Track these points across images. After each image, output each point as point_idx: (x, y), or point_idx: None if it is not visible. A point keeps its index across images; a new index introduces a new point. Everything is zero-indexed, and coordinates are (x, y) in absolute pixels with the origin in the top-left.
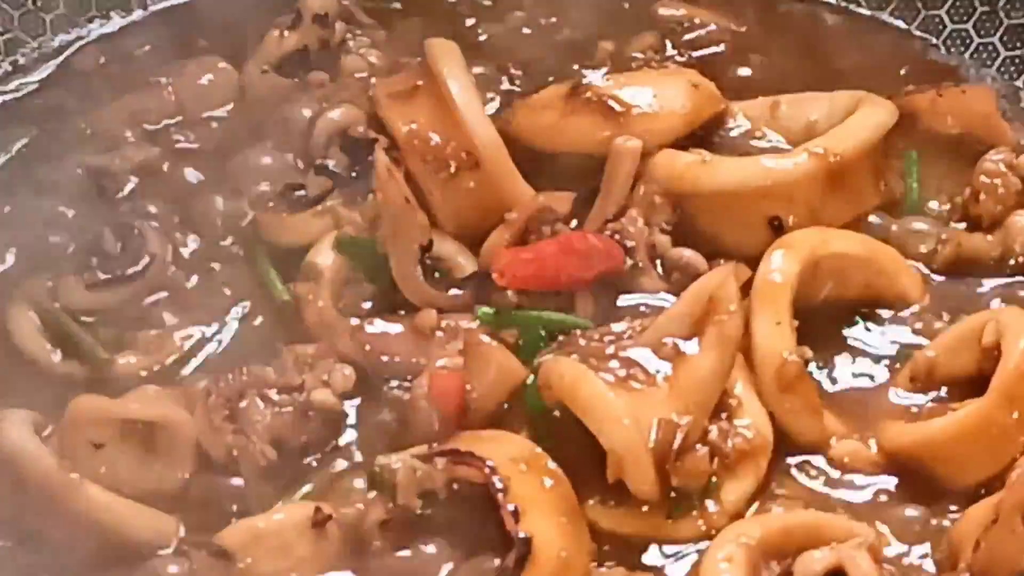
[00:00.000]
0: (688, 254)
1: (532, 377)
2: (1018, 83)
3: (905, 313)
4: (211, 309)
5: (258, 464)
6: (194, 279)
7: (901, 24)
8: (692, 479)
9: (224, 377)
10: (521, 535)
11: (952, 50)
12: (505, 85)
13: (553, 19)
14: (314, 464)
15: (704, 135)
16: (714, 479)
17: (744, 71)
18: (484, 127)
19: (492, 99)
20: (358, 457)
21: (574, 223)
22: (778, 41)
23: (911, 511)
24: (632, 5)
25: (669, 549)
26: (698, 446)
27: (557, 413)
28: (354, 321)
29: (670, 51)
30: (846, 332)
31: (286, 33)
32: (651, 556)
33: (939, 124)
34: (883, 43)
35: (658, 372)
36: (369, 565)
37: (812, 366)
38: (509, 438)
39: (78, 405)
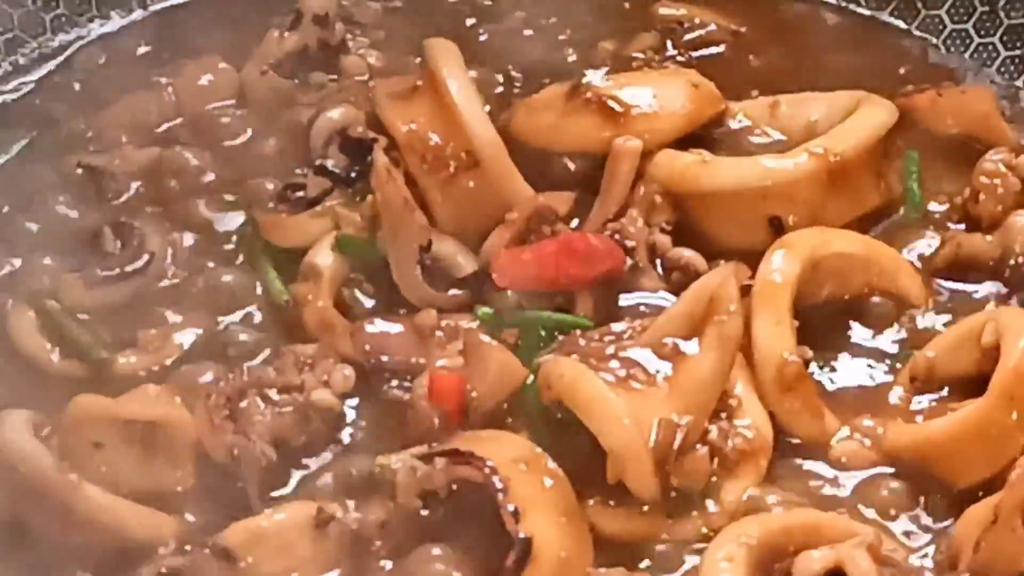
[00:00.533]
0: (688, 254)
1: (532, 377)
2: (1018, 83)
3: (905, 313)
4: (211, 309)
5: (258, 464)
6: (194, 278)
7: (901, 24)
8: (692, 479)
9: (224, 377)
10: (521, 535)
11: (952, 50)
12: (505, 85)
13: (553, 19)
14: (314, 464)
15: (704, 135)
16: (714, 479)
17: (744, 71)
18: (484, 127)
19: (492, 99)
20: (358, 457)
21: (574, 223)
22: (778, 41)
23: (910, 511)
24: (632, 5)
25: (669, 549)
26: (698, 446)
27: (557, 413)
28: (354, 321)
29: (670, 51)
30: (846, 332)
31: (286, 33)
32: (651, 556)
33: (939, 124)
34: (883, 43)
35: (658, 372)
36: (369, 565)
37: (812, 366)
38: (509, 438)
39: (78, 405)
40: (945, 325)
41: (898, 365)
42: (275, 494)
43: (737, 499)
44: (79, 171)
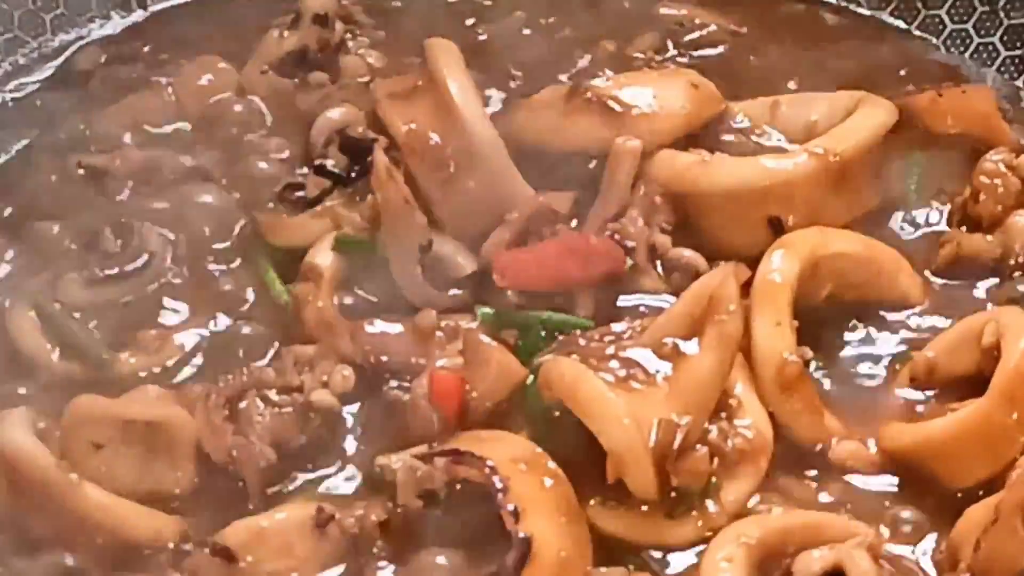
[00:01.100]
0: (688, 254)
1: (532, 377)
2: (1018, 83)
3: (905, 313)
4: (211, 309)
5: (258, 464)
6: (193, 279)
7: (901, 24)
8: (692, 479)
9: (224, 377)
10: (521, 535)
11: (952, 50)
12: (505, 85)
13: (553, 19)
14: (314, 464)
15: (704, 135)
16: (714, 479)
17: (744, 71)
18: (484, 127)
19: (492, 99)
20: (358, 457)
21: (574, 223)
22: (778, 41)
23: (911, 511)
24: (633, 5)
25: (669, 549)
26: (698, 446)
27: (557, 413)
28: (354, 321)
29: (671, 51)
30: (846, 332)
31: (286, 33)
32: (651, 556)
33: (939, 124)
34: (883, 43)
35: (658, 372)
36: (369, 565)
37: (812, 366)
38: (509, 438)
39: (78, 405)
40: (945, 325)
41: (898, 365)
42: (275, 494)
43: (737, 499)
44: (79, 171)
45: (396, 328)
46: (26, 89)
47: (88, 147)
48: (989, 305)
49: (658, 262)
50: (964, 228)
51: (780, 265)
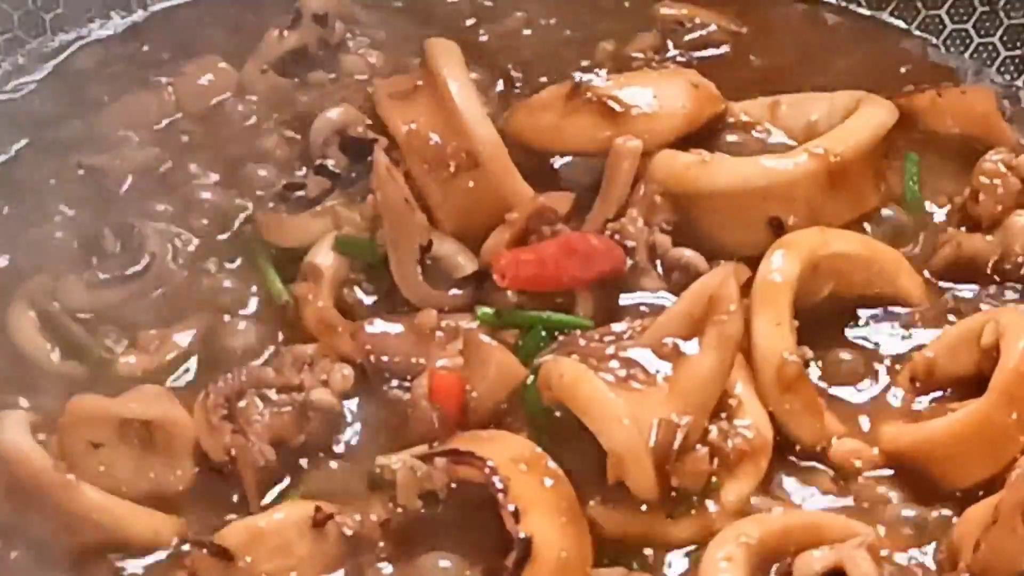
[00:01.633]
0: (688, 254)
1: (532, 377)
2: (1018, 83)
3: (905, 313)
4: (211, 309)
5: (257, 464)
6: (194, 279)
7: (901, 24)
8: (692, 479)
9: (223, 377)
10: (521, 535)
11: (952, 50)
12: (505, 85)
13: (553, 19)
14: (313, 464)
15: (704, 135)
16: (714, 479)
17: (744, 71)
18: (484, 127)
19: (492, 99)
20: (358, 457)
21: (574, 223)
22: (778, 41)
23: (911, 511)
24: (632, 5)
25: (669, 549)
26: (698, 446)
27: (557, 413)
28: (354, 321)
29: (671, 51)
30: (846, 332)
31: (286, 33)
32: (651, 556)
33: (939, 124)
34: (883, 43)
35: (658, 372)
36: (369, 565)
37: (812, 366)
38: (509, 438)
39: (76, 404)
40: (945, 325)
41: (898, 366)
42: (274, 494)
43: (737, 499)
44: (79, 171)
45: (396, 328)
46: (26, 89)
47: (88, 147)
48: (989, 305)
49: (658, 262)
50: (964, 228)
51: (780, 265)
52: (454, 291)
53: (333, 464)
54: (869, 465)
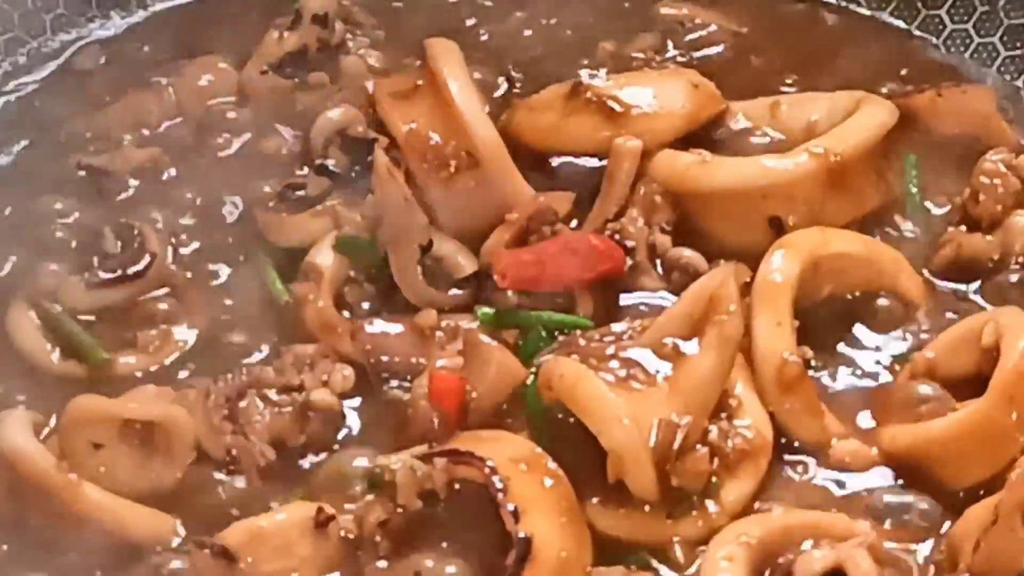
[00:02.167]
0: (688, 254)
1: (532, 377)
2: (1018, 83)
3: (905, 313)
4: (211, 309)
5: (257, 464)
6: (194, 279)
7: (901, 24)
8: (692, 479)
9: (224, 377)
10: (521, 535)
11: (952, 50)
12: (505, 85)
13: (553, 19)
14: (314, 464)
15: (704, 135)
16: (714, 479)
17: (744, 71)
18: (484, 127)
19: (492, 99)
20: (358, 457)
21: (574, 223)
22: (778, 41)
23: (911, 511)
24: (633, 5)
25: (669, 549)
26: (698, 446)
27: (558, 413)
28: (354, 321)
29: (671, 51)
30: (846, 332)
31: (286, 33)
32: (651, 556)
33: (939, 124)
34: (883, 43)
35: (658, 372)
36: (369, 565)
37: (812, 366)
38: (509, 438)
39: (77, 405)
40: (945, 325)
41: (898, 366)
42: (274, 494)
43: (737, 499)
44: (79, 171)
45: (396, 328)
46: (26, 89)
47: (88, 147)
48: (989, 305)
49: (658, 262)
50: (964, 228)
51: (781, 265)
52: (454, 291)
53: (333, 464)
54: (869, 465)
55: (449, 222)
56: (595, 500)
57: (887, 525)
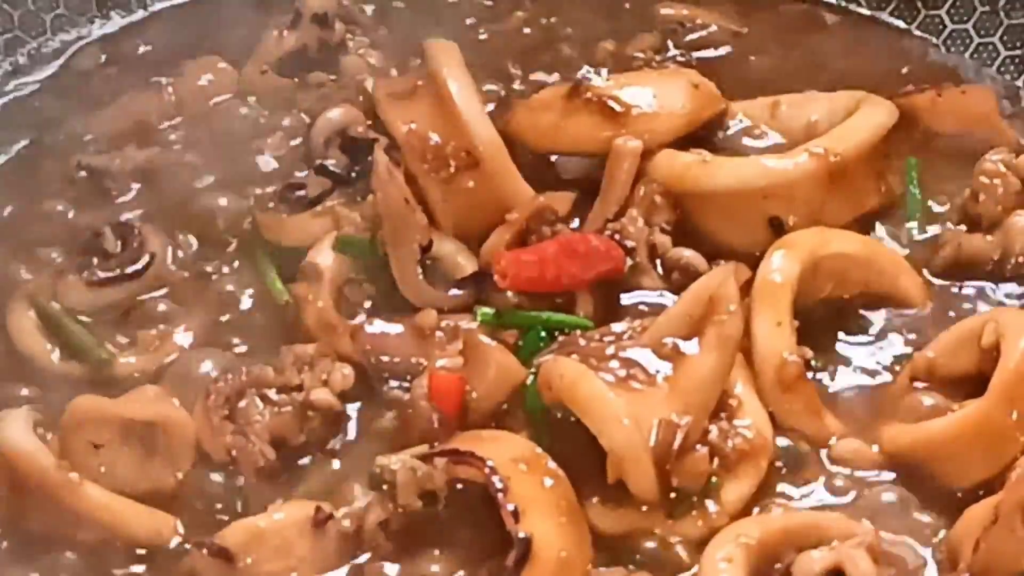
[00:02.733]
0: (688, 254)
1: (532, 377)
2: (1018, 83)
3: (905, 313)
4: (211, 309)
5: (257, 464)
6: (194, 279)
7: (901, 24)
8: (692, 479)
9: (224, 377)
10: (521, 535)
11: (952, 50)
12: (505, 85)
13: (553, 19)
14: (314, 464)
15: (704, 135)
16: (714, 479)
17: (744, 71)
18: (484, 127)
19: (492, 99)
20: (358, 457)
21: (574, 223)
22: (778, 41)
23: (911, 511)
24: (633, 5)
25: (669, 549)
26: (698, 446)
27: (557, 413)
28: (354, 321)
29: (672, 51)
30: (846, 332)
31: (285, 33)
32: (651, 556)
33: (939, 124)
34: (883, 43)
35: (658, 372)
36: (369, 565)
37: (812, 366)
38: (509, 438)
39: (78, 405)
40: (945, 325)
41: (898, 366)
42: (274, 494)
43: (737, 499)
44: (79, 171)
45: (396, 328)
46: (26, 89)
47: (88, 147)
48: (989, 305)
49: (658, 262)
50: (964, 228)
51: (781, 265)
52: (454, 291)
53: (333, 464)
54: (869, 465)
55: (449, 222)
56: (595, 500)
57: (887, 525)
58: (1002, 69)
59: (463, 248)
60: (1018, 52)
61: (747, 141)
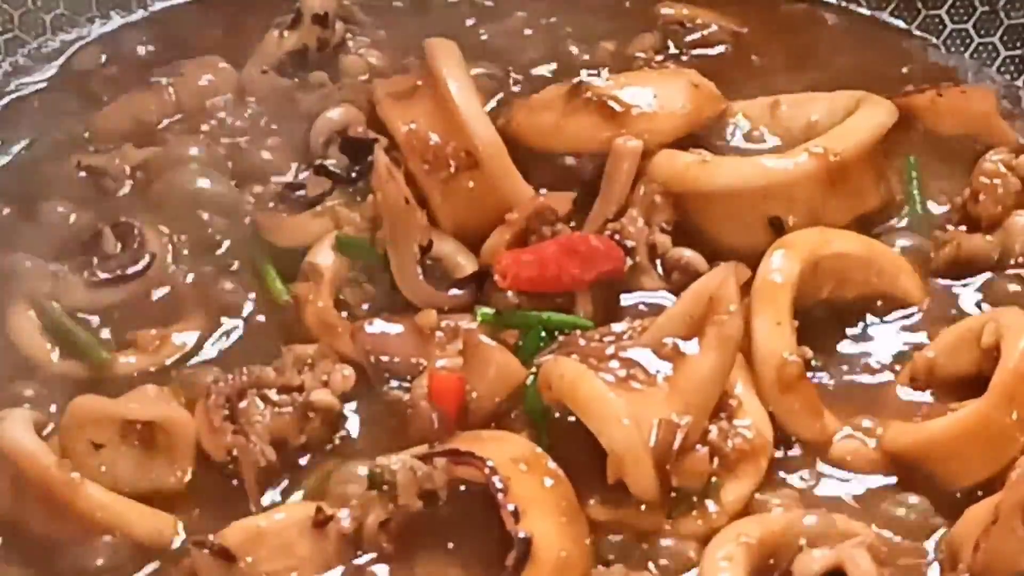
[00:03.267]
0: (688, 254)
1: (532, 377)
2: (1018, 83)
3: (905, 313)
4: (211, 309)
5: (258, 464)
6: (194, 279)
7: (901, 24)
8: (692, 479)
9: (224, 377)
10: (521, 535)
11: (952, 50)
12: (505, 85)
13: (553, 19)
14: (313, 464)
15: (704, 135)
16: (714, 479)
17: (745, 71)
18: (484, 127)
19: (492, 99)
20: (358, 457)
21: (574, 223)
22: (778, 41)
23: (911, 511)
24: (633, 5)
25: (669, 549)
26: (698, 446)
27: (557, 413)
28: (354, 321)
29: (672, 51)
30: (846, 332)
31: (286, 33)
32: (651, 556)
33: (939, 124)
34: (883, 43)
35: (658, 372)
36: (369, 565)
37: (812, 366)
38: (509, 438)
39: (78, 405)
40: (945, 325)
41: (898, 366)
42: (274, 494)
43: (737, 499)
44: (79, 171)
45: (396, 328)
46: (26, 89)
47: (88, 147)
48: (989, 305)
49: (658, 262)
50: (964, 228)
51: (780, 265)
52: (454, 291)
53: (333, 464)
54: (869, 465)
55: (449, 222)
56: (595, 500)
57: (887, 525)
58: (1002, 69)
59: (463, 248)
60: (1018, 52)
61: (747, 141)
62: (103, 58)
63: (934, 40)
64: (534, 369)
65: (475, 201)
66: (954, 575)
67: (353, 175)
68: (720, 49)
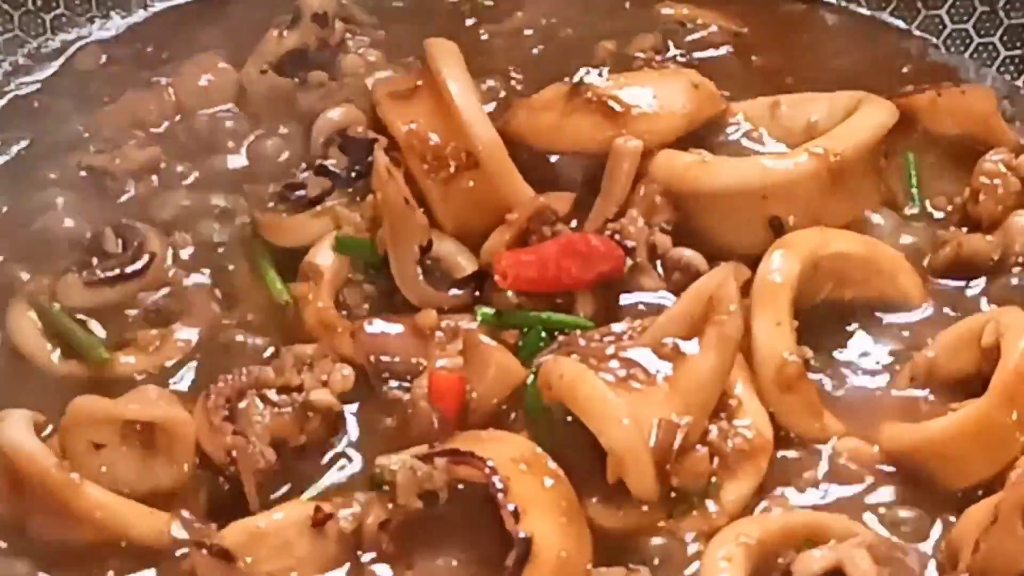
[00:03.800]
0: (688, 254)
1: (532, 377)
2: (1018, 83)
3: (905, 313)
4: (211, 309)
5: (257, 464)
6: (194, 279)
7: (901, 24)
8: (692, 479)
9: (224, 377)
10: (521, 535)
11: (952, 50)
12: (505, 85)
13: (553, 19)
14: (313, 464)
15: (704, 135)
16: (714, 479)
17: (745, 71)
18: (484, 127)
19: (492, 99)
20: (358, 457)
21: (574, 223)
22: (778, 41)
23: (911, 511)
24: (633, 5)
25: (669, 549)
26: (698, 446)
27: (557, 413)
28: (354, 321)
29: (672, 51)
30: (846, 332)
31: (285, 33)
32: (651, 556)
33: (939, 124)
34: (883, 43)
35: (658, 372)
36: (369, 565)
37: (812, 366)
38: (509, 438)
39: (78, 406)
40: (945, 325)
41: (898, 366)
42: (274, 494)
43: (737, 499)
44: (79, 171)
45: (396, 328)
46: (26, 89)
47: (88, 147)
48: (989, 305)
49: (658, 262)
50: (964, 228)
51: (780, 265)
52: (454, 291)
53: (333, 464)
54: (869, 464)
55: (449, 222)
56: (595, 500)
57: (887, 525)
58: (1002, 69)
59: (463, 248)
60: (1018, 52)
61: (747, 141)
62: (103, 58)
63: (934, 40)
64: (534, 369)
65: (475, 201)
66: (954, 575)
67: (353, 175)
68: (720, 49)
